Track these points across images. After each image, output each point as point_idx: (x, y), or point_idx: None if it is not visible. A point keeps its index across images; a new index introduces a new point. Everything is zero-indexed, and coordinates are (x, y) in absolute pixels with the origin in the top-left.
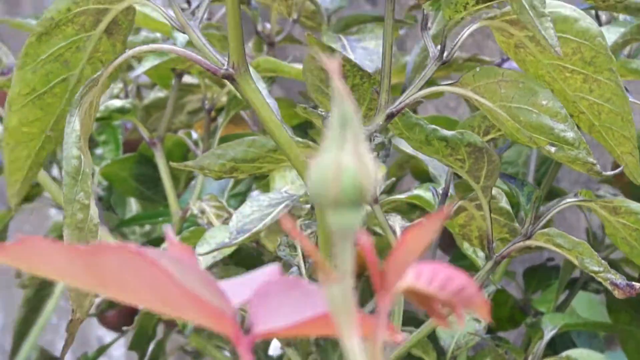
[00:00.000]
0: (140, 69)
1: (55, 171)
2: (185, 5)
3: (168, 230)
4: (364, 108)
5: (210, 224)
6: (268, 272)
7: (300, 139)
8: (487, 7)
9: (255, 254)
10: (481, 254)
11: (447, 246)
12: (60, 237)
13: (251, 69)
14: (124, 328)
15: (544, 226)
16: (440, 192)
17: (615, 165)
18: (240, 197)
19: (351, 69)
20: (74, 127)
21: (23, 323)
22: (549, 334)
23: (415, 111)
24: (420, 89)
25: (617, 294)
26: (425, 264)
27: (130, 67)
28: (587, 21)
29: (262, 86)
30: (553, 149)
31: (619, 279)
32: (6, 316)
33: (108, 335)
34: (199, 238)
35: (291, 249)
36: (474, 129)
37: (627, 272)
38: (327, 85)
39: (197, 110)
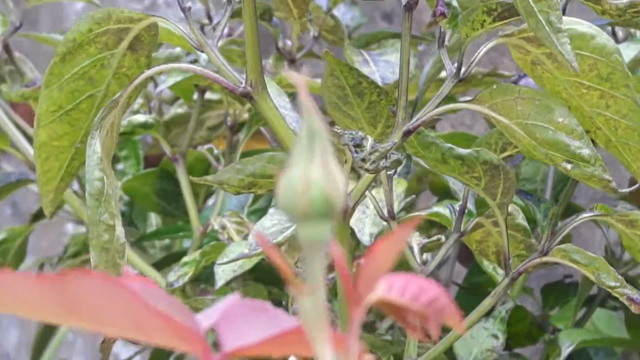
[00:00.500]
0: (163, 85)
1: (76, 185)
2: (206, 21)
3: (126, 269)
4: (381, 125)
5: (230, 239)
6: (230, 300)
7: None
8: (504, 25)
9: (274, 270)
10: (501, 270)
11: (467, 260)
12: (78, 252)
13: (274, 84)
14: (143, 343)
15: (561, 242)
16: (458, 208)
17: (632, 182)
18: (259, 213)
19: (368, 86)
20: (95, 149)
21: (39, 340)
22: (566, 350)
23: (434, 128)
24: (437, 106)
25: (633, 308)
26: (398, 276)
27: (153, 81)
28: (603, 38)
29: (285, 100)
30: (569, 166)
31: (636, 294)
32: (21, 333)
33: (124, 351)
34: (219, 253)
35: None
36: (490, 146)
37: None
38: (345, 102)
39: (217, 126)
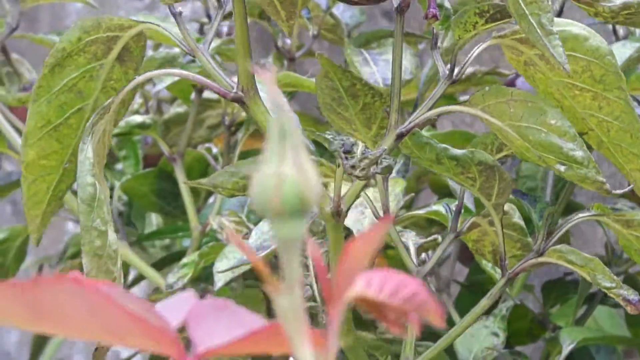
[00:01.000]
0: (160, 86)
1: (76, 185)
2: (205, 20)
3: (75, 273)
4: (375, 127)
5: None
6: (184, 297)
7: (312, 157)
8: (497, 26)
9: (275, 271)
10: (499, 269)
11: (467, 259)
12: (78, 252)
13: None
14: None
15: (559, 240)
16: (454, 208)
17: None
18: None
19: (362, 88)
20: (86, 154)
21: (40, 338)
22: (567, 348)
23: (434, 126)
24: (430, 109)
25: (630, 309)
26: (376, 272)
27: (151, 81)
28: (596, 39)
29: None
30: (562, 168)
31: (632, 295)
32: (22, 332)
33: (126, 350)
34: (218, 253)
35: (304, 268)
36: (487, 146)
37: None
38: (339, 104)
39: (216, 125)
